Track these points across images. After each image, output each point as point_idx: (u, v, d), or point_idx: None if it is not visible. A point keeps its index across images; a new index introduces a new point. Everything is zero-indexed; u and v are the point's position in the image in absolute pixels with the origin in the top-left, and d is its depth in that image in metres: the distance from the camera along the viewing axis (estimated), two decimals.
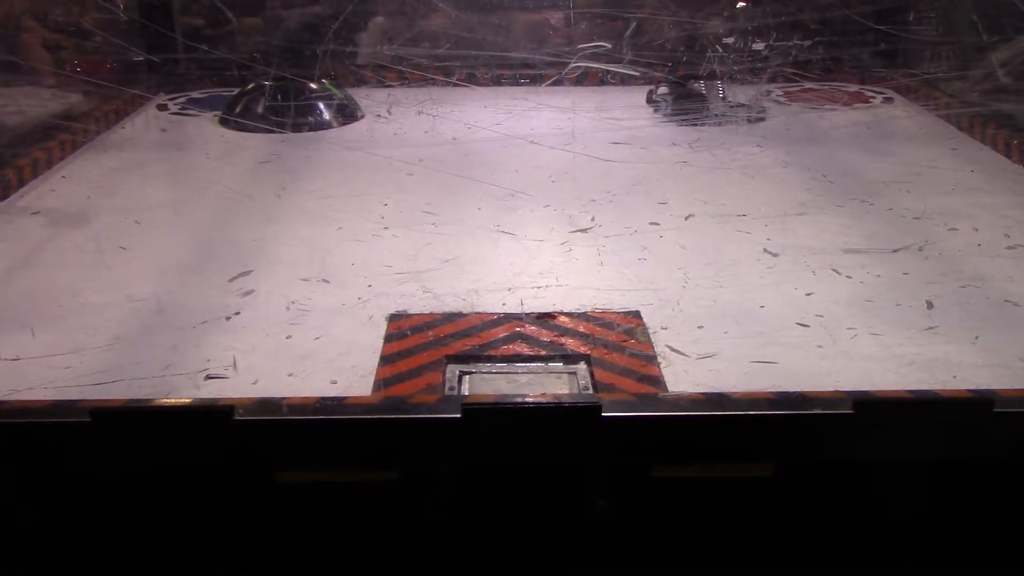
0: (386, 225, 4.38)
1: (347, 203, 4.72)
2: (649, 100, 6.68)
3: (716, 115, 6.19)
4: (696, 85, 6.48)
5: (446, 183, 5.02)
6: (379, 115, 6.56)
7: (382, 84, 7.25)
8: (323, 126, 6.39)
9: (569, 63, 6.24)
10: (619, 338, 3.15)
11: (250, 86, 6.60)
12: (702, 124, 6.15)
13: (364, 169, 5.35)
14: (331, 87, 6.65)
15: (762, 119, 6.27)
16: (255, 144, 5.98)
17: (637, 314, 3.35)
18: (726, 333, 3.23)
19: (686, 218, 4.46)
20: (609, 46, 6.50)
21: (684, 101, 6.37)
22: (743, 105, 6.38)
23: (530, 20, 7.53)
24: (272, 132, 6.13)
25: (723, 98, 6.38)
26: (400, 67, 6.96)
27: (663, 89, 6.61)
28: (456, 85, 7.00)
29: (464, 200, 4.74)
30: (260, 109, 6.37)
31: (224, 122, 6.46)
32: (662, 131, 6.12)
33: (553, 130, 6.08)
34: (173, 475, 2.53)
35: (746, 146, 5.75)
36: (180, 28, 7.14)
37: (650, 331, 3.21)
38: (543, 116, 6.39)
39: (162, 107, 6.94)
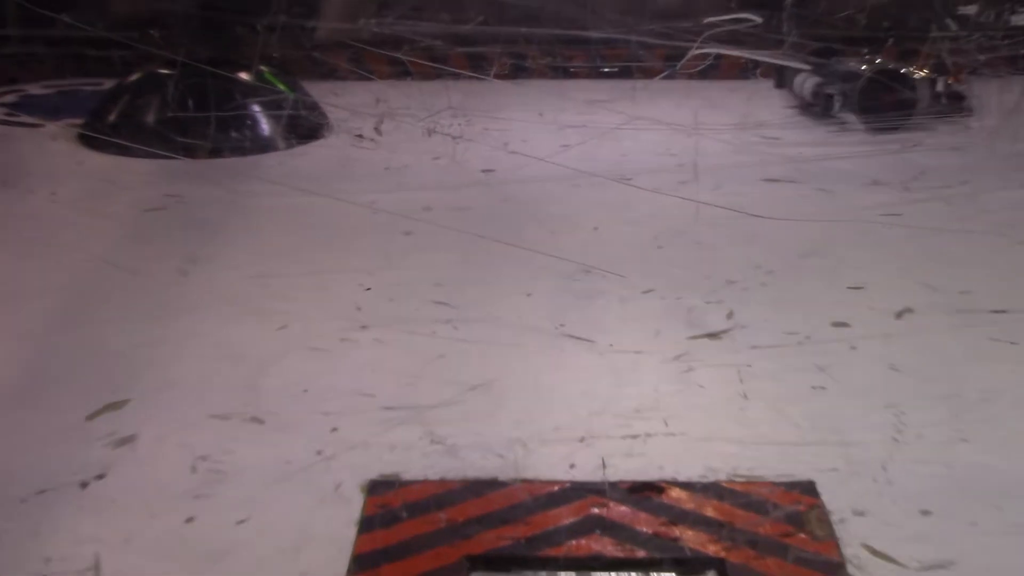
0: (365, 323, 4.46)
1: (299, 285, 4.81)
2: (781, 84, 6.97)
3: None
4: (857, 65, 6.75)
5: (471, 250, 5.10)
6: (359, 133, 6.72)
7: (364, 78, 7.43)
8: (261, 147, 6.60)
9: (691, 47, 6.36)
10: (779, 530, 3.13)
11: (135, 77, 6.82)
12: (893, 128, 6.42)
13: (330, 226, 5.46)
14: (276, 82, 6.82)
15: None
16: (142, 178, 6.13)
17: (811, 487, 3.33)
18: (974, 526, 3.19)
19: (898, 315, 4.48)
20: (759, 20, 6.66)
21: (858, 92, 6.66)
22: (955, 97, 6.66)
23: None
24: (171, 158, 6.27)
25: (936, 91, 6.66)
26: (397, 53, 7.13)
27: (815, 76, 6.90)
28: (492, 80, 7.16)
29: (503, 281, 4.81)
30: (151, 118, 6.57)
31: (87, 139, 6.67)
32: (855, 164, 6.17)
33: (661, 158, 6.18)
34: None
35: (1008, 188, 5.78)
36: None
37: (834, 518, 3.19)
38: (643, 136, 6.49)
39: None
